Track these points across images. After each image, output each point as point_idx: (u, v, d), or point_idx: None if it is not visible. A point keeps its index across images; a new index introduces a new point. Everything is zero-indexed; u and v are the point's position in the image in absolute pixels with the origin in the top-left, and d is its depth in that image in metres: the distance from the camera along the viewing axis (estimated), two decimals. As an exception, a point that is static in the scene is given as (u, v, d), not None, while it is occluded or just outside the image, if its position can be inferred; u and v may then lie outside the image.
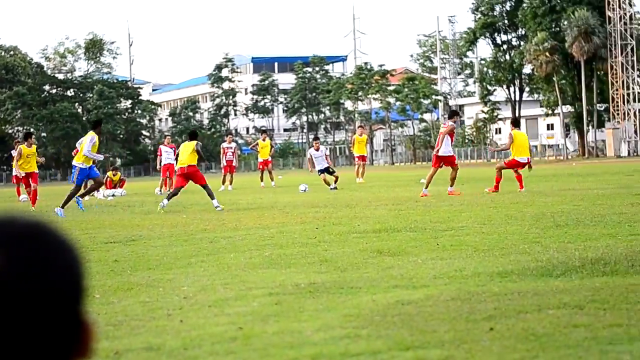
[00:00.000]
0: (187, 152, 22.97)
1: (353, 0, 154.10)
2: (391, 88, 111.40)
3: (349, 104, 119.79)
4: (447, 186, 23.91)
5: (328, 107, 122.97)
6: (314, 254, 11.20)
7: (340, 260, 10.52)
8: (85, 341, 1.44)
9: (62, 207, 22.49)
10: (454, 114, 26.55)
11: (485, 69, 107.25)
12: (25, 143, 27.49)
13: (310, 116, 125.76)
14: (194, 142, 23.47)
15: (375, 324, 6.62)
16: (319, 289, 8.34)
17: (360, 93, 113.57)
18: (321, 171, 33.32)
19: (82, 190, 24.49)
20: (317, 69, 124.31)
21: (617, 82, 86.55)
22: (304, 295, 8.10)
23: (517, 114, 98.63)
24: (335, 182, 32.18)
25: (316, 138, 36.91)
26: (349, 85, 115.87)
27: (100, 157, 23.60)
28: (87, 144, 22.82)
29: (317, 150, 33.88)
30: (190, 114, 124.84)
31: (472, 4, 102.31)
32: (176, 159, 24.99)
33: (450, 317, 6.72)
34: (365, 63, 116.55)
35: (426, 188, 23.87)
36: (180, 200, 25.54)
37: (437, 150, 24.54)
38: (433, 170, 24.58)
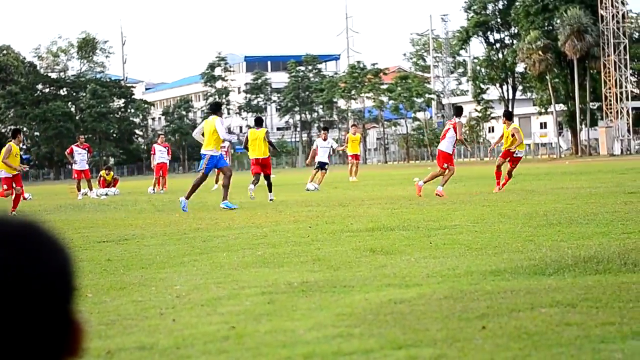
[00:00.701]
0: (259, 141, 23.97)
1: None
2: (384, 87, 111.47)
3: (342, 103, 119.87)
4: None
5: (321, 106, 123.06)
6: (306, 253, 11.19)
7: (333, 259, 10.52)
8: (76, 340, 1.44)
9: (187, 198, 21.08)
10: (461, 111, 25.33)
11: (478, 67, 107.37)
12: (14, 140, 25.29)
13: (303, 115, 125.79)
14: (264, 131, 24.24)
15: (368, 323, 6.61)
16: (311, 288, 8.33)
17: (353, 92, 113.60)
18: (321, 164, 32.98)
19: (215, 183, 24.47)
20: (310, 67, 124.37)
21: (610, 80, 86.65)
22: (296, 294, 8.09)
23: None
24: (319, 181, 31.68)
25: (325, 128, 36.85)
26: (341, 84, 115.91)
27: (235, 138, 23.37)
28: (220, 128, 21.29)
29: (325, 139, 33.89)
30: (183, 112, 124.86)
31: (465, 2, 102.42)
32: (245, 147, 24.89)
33: (443, 316, 6.71)
34: (358, 62, 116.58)
35: (442, 185, 23.19)
36: (172, 199, 25.55)
37: (451, 147, 24.60)
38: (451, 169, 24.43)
